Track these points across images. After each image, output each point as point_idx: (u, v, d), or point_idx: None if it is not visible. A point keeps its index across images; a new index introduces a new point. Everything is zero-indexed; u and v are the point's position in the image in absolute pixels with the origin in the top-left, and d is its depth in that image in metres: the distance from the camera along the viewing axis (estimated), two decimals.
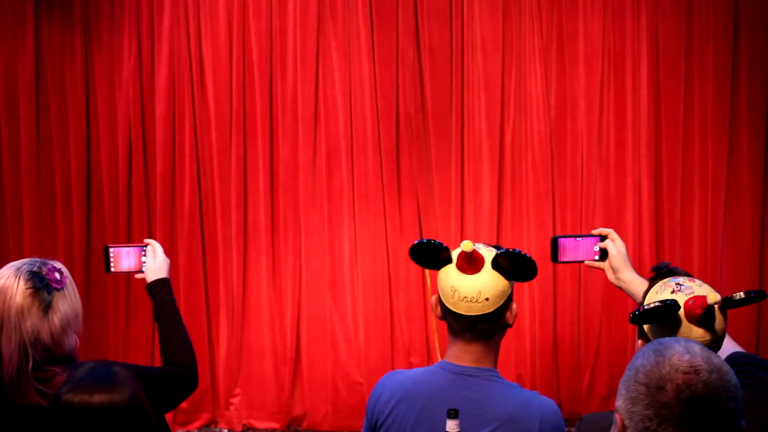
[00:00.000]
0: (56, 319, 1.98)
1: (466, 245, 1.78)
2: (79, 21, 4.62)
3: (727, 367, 1.33)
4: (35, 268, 1.99)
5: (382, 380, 1.93)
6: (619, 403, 1.36)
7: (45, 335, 1.95)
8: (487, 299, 1.79)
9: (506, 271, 1.80)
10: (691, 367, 1.30)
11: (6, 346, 1.93)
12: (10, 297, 1.94)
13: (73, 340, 2.03)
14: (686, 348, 1.34)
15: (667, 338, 1.41)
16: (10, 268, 2.00)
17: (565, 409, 4.46)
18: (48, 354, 1.96)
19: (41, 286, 1.97)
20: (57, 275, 2.01)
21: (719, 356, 1.34)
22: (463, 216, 4.63)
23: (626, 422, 1.33)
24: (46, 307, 1.97)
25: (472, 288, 1.79)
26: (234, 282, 4.68)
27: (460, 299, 1.80)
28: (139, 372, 2.04)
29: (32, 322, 1.94)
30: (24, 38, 4.60)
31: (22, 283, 1.96)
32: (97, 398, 1.53)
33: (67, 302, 2.02)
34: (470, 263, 1.80)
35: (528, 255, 1.79)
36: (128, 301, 4.65)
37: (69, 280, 2.05)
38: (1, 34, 4.62)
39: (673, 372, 1.29)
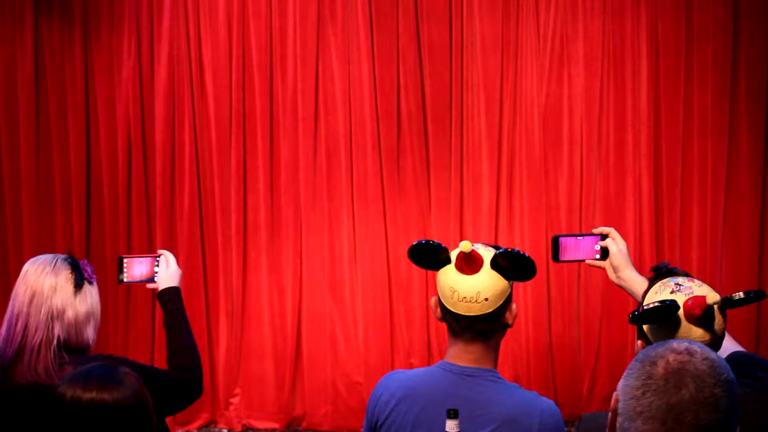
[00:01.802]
0: (83, 305, 2.10)
1: (465, 245, 1.78)
2: (79, 21, 4.62)
3: (725, 366, 1.33)
4: (71, 257, 2.15)
5: (382, 380, 1.93)
6: (619, 383, 1.39)
7: (71, 314, 2.07)
8: (486, 299, 1.79)
9: (505, 271, 1.80)
10: (686, 350, 1.33)
11: (34, 316, 2.04)
12: (47, 273, 2.07)
13: (93, 335, 2.14)
14: (689, 341, 1.37)
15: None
16: (47, 255, 2.15)
17: (565, 411, 4.46)
18: (68, 336, 2.05)
19: (77, 270, 2.11)
20: (89, 269, 2.16)
21: (734, 381, 1.34)
22: (462, 216, 4.63)
23: (620, 397, 1.36)
24: (77, 289, 2.10)
25: (471, 288, 1.79)
26: (234, 282, 4.68)
27: (459, 299, 1.80)
28: (146, 372, 2.06)
29: (63, 298, 2.06)
30: (24, 38, 4.60)
31: (59, 263, 2.11)
32: (87, 395, 1.54)
33: (94, 297, 2.15)
34: (469, 263, 1.80)
35: (527, 254, 1.79)
36: (128, 302, 4.65)
37: (96, 282, 2.20)
38: (1, 34, 4.62)
39: (667, 352, 1.33)
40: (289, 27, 4.61)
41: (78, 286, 2.10)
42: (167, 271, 2.40)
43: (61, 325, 2.04)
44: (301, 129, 4.63)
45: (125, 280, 2.45)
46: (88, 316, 2.11)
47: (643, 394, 1.31)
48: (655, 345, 1.37)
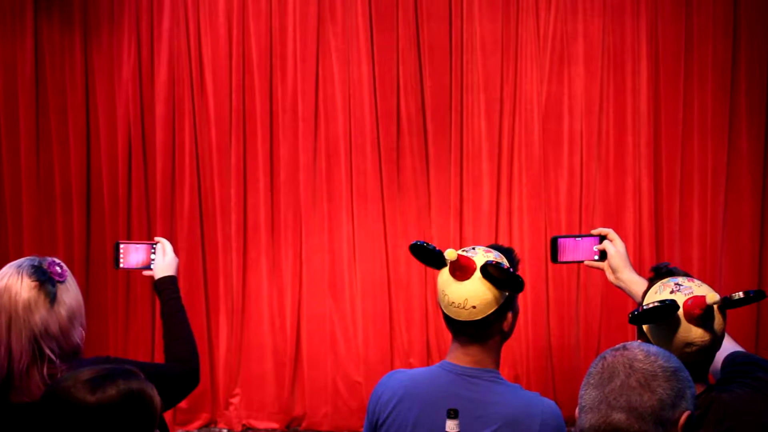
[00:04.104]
0: (63, 310, 1.99)
1: (450, 254, 1.78)
2: (79, 21, 4.62)
3: (665, 355, 1.40)
4: (36, 263, 2.01)
5: (384, 380, 1.94)
6: None
7: (54, 327, 1.97)
8: (474, 307, 1.78)
9: (495, 280, 1.78)
10: (623, 345, 1.42)
11: (16, 342, 1.94)
12: (16, 293, 1.95)
13: (79, 333, 2.05)
14: (645, 343, 1.45)
15: None
16: (11, 267, 2.01)
17: (565, 411, 4.43)
18: (58, 347, 1.98)
19: (45, 279, 1.99)
20: (58, 269, 2.03)
21: (680, 368, 1.40)
22: (462, 216, 4.63)
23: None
24: (53, 300, 1.98)
25: (459, 295, 1.79)
26: (234, 282, 4.68)
27: (449, 303, 1.81)
28: (141, 368, 2.05)
29: (41, 315, 1.96)
30: (24, 38, 4.60)
31: (25, 277, 1.97)
32: (65, 385, 1.55)
33: (71, 294, 2.04)
34: (456, 270, 1.80)
35: (512, 269, 1.78)
36: (128, 300, 4.65)
37: (69, 273, 2.07)
38: (1, 34, 4.62)
39: (608, 351, 1.42)
40: (289, 27, 4.61)
41: (52, 296, 1.98)
42: (164, 260, 2.38)
43: (49, 341, 1.95)
44: (301, 129, 4.63)
45: (122, 266, 2.43)
46: (71, 318, 2.01)
47: (585, 391, 1.40)
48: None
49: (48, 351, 1.95)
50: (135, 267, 2.44)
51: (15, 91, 4.62)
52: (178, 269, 2.41)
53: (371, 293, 4.64)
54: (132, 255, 2.43)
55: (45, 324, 1.95)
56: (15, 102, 4.63)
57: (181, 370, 2.20)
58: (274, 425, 4.68)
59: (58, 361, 1.96)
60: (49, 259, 2.05)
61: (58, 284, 2.01)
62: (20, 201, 4.66)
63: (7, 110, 4.64)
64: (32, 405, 1.90)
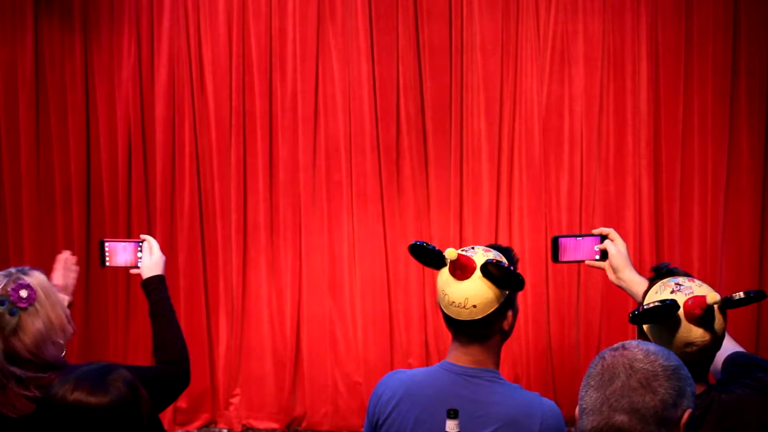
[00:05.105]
0: (26, 338, 1.94)
1: (450, 253, 1.78)
2: (79, 21, 4.62)
3: (664, 353, 1.39)
4: None
5: (384, 379, 1.94)
6: None
7: (21, 351, 1.93)
8: (474, 306, 1.78)
9: (495, 279, 1.78)
10: (622, 345, 1.40)
11: None
12: None
13: (55, 349, 2.00)
14: (644, 341, 1.43)
15: None
16: None
17: (565, 412, 4.43)
18: (32, 365, 1.95)
19: (2, 310, 1.92)
20: (23, 293, 1.95)
21: (680, 365, 1.39)
22: (462, 216, 4.63)
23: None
24: (13, 330, 1.92)
25: (459, 294, 1.79)
26: (234, 282, 4.68)
27: (449, 303, 1.81)
28: (133, 371, 2.04)
29: (4, 344, 1.92)
30: (24, 38, 4.60)
31: None
32: (73, 395, 1.56)
33: (40, 318, 1.96)
34: (457, 270, 1.79)
35: (512, 268, 1.78)
36: (128, 301, 4.65)
37: (42, 292, 1.99)
38: (1, 34, 4.62)
39: (607, 350, 1.41)
40: (289, 27, 4.61)
41: (12, 330, 1.92)
42: (151, 259, 2.34)
43: (18, 366, 1.92)
44: (301, 129, 4.63)
45: (108, 264, 2.40)
46: (38, 343, 1.95)
47: (586, 392, 1.39)
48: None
49: (19, 373, 1.91)
50: (122, 266, 2.40)
51: (15, 91, 4.62)
52: (165, 267, 2.38)
53: (371, 293, 4.64)
54: (119, 254, 2.39)
55: (9, 353, 1.92)
56: (15, 102, 4.62)
57: (171, 372, 2.18)
58: (274, 425, 4.68)
59: (40, 374, 1.93)
60: (16, 282, 1.96)
61: (22, 311, 1.94)
62: (20, 201, 4.65)
63: (7, 110, 4.64)
64: (22, 419, 1.90)
